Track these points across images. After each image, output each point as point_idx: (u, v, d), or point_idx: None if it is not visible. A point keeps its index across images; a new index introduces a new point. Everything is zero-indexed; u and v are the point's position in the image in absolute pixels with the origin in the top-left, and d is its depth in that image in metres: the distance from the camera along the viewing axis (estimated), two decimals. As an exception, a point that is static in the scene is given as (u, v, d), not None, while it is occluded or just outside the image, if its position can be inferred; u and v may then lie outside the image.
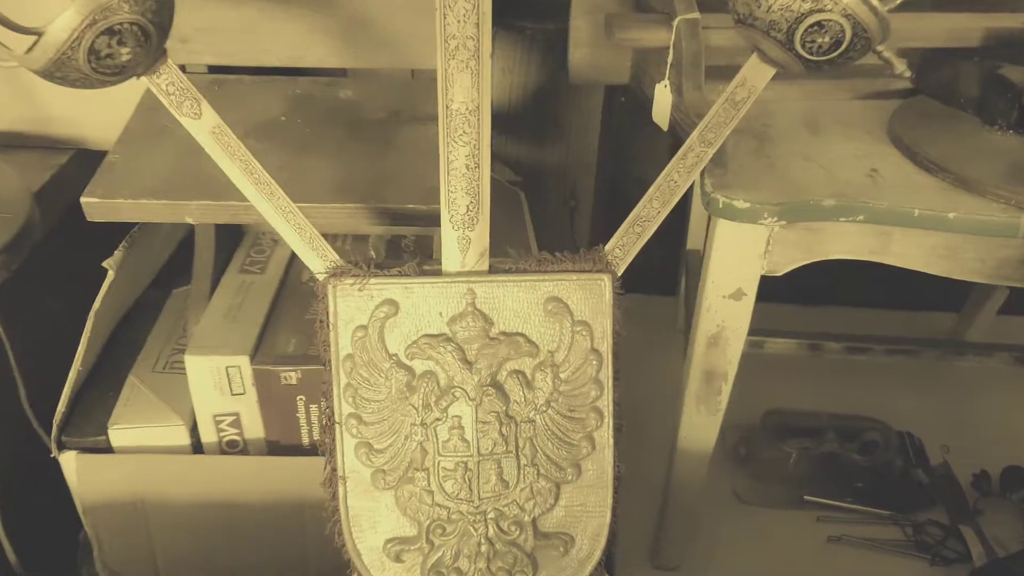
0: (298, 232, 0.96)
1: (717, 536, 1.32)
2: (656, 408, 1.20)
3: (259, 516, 1.20)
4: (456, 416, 0.98)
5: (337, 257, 0.98)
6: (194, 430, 1.21)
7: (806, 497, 1.38)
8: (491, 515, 1.00)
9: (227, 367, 1.26)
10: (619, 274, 0.99)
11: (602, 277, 0.98)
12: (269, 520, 1.19)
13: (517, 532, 1.01)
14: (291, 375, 1.23)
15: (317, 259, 0.97)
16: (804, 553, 1.30)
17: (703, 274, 1.06)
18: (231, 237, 1.34)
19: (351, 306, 0.97)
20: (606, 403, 1.00)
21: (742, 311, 1.07)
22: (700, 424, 1.17)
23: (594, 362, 0.98)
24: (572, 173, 1.72)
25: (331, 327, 0.97)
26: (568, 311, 0.97)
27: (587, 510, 1.01)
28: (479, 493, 1.00)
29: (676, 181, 0.95)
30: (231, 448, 1.23)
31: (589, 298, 0.97)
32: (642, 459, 1.11)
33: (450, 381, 0.98)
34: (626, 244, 0.98)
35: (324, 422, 1.01)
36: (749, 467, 1.45)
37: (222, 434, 1.27)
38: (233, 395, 1.26)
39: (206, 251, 1.34)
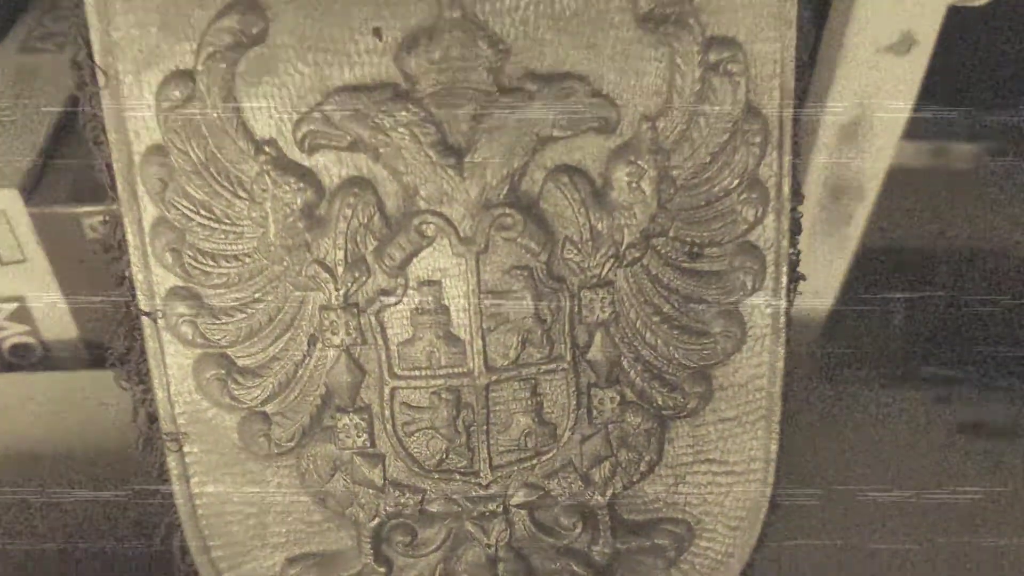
0: None
1: (798, 431, 0.87)
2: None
3: (80, 464, 0.75)
4: (430, 284, 0.41)
5: None
6: (-55, 333, 0.74)
7: (922, 369, 1.01)
8: (517, 498, 0.46)
9: (-20, 212, 0.68)
10: (809, -82, 0.40)
11: (775, -79, 0.39)
12: (99, 469, 0.72)
13: (576, 528, 0.45)
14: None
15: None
16: (924, 450, 0.94)
17: (842, 13, 0.67)
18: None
19: (149, 21, 0.37)
20: (772, 232, 0.43)
21: (909, 75, 0.69)
22: (819, 268, 0.81)
23: (753, 138, 0.40)
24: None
25: (99, 75, 0.37)
26: (693, 16, 0.40)
27: (725, 467, 0.48)
28: (488, 456, 0.44)
29: None
30: (19, 357, 0.76)
31: (738, -20, 0.39)
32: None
33: (410, 200, 0.41)
34: None
35: (121, 312, 0.42)
36: (842, 332, 1.04)
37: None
38: (5, 264, 0.72)
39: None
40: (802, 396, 1.03)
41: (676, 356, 0.45)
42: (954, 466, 0.94)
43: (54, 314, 0.75)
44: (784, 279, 0.45)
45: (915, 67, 0.70)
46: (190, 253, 0.42)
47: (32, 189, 0.69)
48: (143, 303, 0.43)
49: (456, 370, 0.43)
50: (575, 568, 0.47)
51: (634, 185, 0.42)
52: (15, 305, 0.75)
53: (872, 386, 1.05)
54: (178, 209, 0.41)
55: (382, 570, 0.47)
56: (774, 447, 0.48)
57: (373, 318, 0.42)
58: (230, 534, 0.47)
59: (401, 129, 0.40)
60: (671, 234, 0.43)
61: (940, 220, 1.24)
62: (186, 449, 0.45)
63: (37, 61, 0.80)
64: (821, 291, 0.87)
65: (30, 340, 0.77)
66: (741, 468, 0.48)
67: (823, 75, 0.76)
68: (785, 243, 0.44)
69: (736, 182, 0.43)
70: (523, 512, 0.46)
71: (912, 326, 1.08)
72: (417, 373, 0.43)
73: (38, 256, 0.72)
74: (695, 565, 0.49)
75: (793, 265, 0.45)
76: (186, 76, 0.39)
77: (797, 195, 0.45)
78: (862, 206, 0.79)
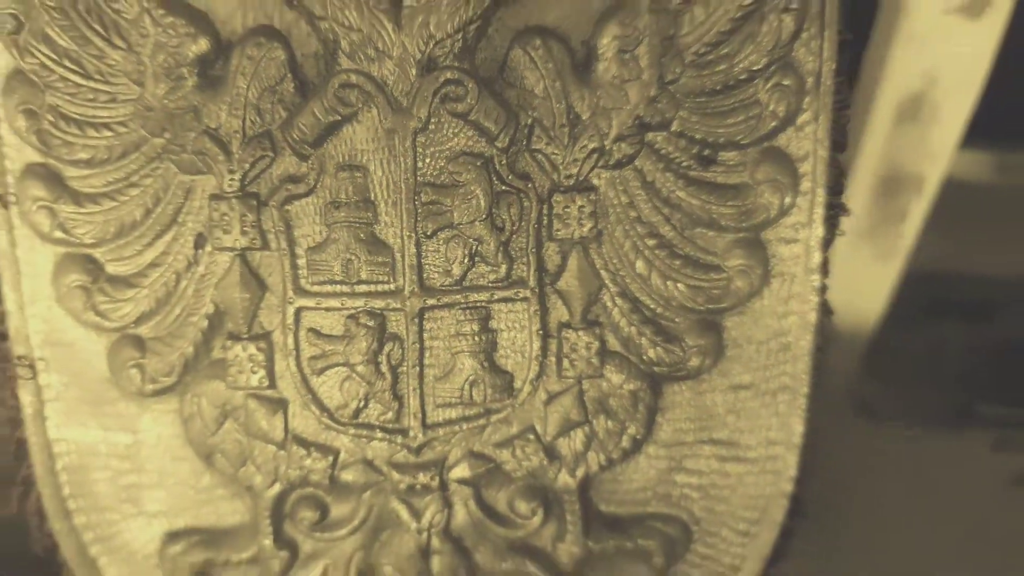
0: None
1: (835, 471, 0.81)
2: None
3: None
4: (351, 170, 0.33)
5: None
6: None
7: (976, 408, 0.91)
8: (459, 471, 0.36)
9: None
10: None
11: None
12: None
13: (536, 517, 0.35)
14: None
15: None
16: (975, 499, 0.82)
17: None
18: None
19: None
20: (809, 137, 0.35)
21: (981, 42, 0.61)
22: (858, 280, 0.72)
23: (788, 2, 0.30)
24: None
25: None
26: None
27: (736, 451, 0.38)
28: (421, 409, 0.35)
29: None
30: None
31: None
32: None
33: (330, 57, 0.33)
34: None
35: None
36: (883, 363, 0.92)
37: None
38: None
39: None
40: (839, 433, 0.92)
41: (676, 295, 0.35)
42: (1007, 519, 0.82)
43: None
44: (822, 200, 0.34)
45: (989, 34, 0.62)
46: (50, 118, 0.33)
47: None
48: (-7, 185, 0.33)
49: (380, 287, 0.34)
50: (532, 571, 0.37)
51: (627, 56, 0.32)
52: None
53: (920, 424, 0.97)
54: (36, 57, 0.34)
55: (283, 554, 0.36)
56: (799, 428, 0.37)
57: (276, 212, 0.33)
58: (96, 496, 0.38)
59: (319, -50, 0.30)
60: (675, 128, 0.34)
61: (1003, 243, 1.15)
62: (42, 380, 0.36)
63: None
64: (861, 307, 0.79)
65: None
66: (756, 454, 0.38)
67: (881, 43, 0.68)
68: (825, 153, 0.34)
69: (763, 62, 0.34)
70: (466, 490, 0.37)
71: (966, 362, 0.98)
72: (330, 289, 0.34)
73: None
74: (695, 568, 0.38)
75: (834, 185, 0.35)
76: None
77: (843, 91, 0.34)
78: (919, 201, 0.70)
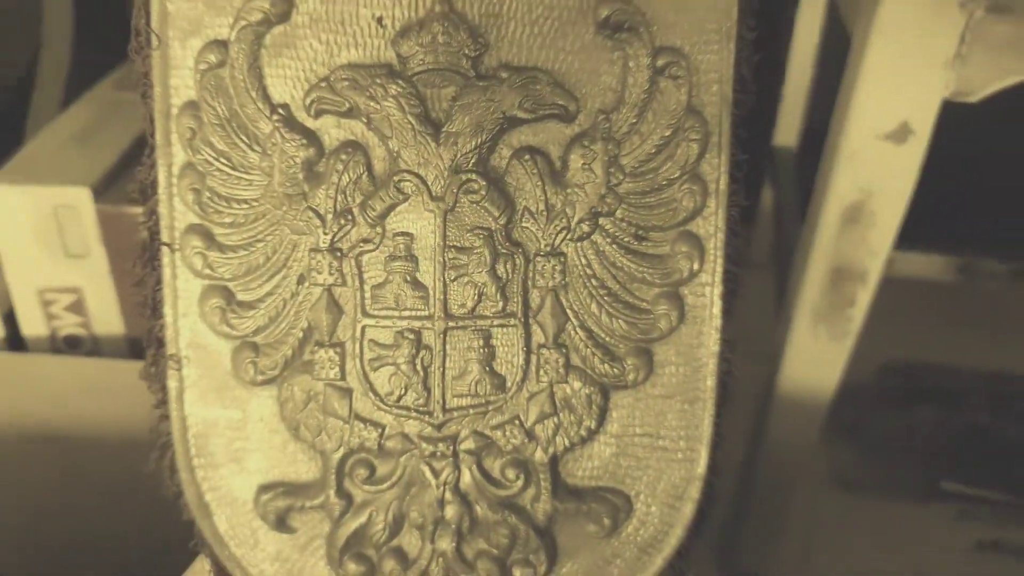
0: None
1: (812, 537, 0.97)
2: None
3: (111, 447, 0.79)
4: (403, 235, 0.48)
5: None
6: (10, 317, 0.84)
7: (942, 484, 1.04)
8: (466, 444, 0.51)
9: (57, 206, 0.77)
10: (753, -50, 0.48)
11: (718, -47, 0.46)
12: (125, 454, 0.72)
13: (519, 482, 0.49)
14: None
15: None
16: (938, 564, 0.95)
17: (844, 104, 0.73)
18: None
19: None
20: (711, 224, 0.48)
21: (906, 163, 0.73)
22: (816, 357, 0.81)
23: (693, 136, 0.46)
24: None
25: (153, 38, 0.46)
26: (644, 27, 0.47)
27: (661, 445, 0.51)
28: (443, 398, 0.49)
29: None
30: (72, 348, 0.85)
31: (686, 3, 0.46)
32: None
33: (393, 162, 0.48)
34: None
35: (144, 243, 0.50)
36: (859, 441, 1.09)
37: (55, 323, 0.85)
38: (70, 257, 0.81)
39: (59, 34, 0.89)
40: (816, 501, 1.02)
41: (618, 329, 0.50)
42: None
43: (106, 309, 0.83)
44: (721, 268, 0.50)
45: (912, 156, 0.73)
46: (208, 194, 0.49)
47: (103, 191, 0.79)
48: (164, 235, 0.50)
49: (419, 313, 0.49)
50: (515, 522, 0.52)
51: (586, 167, 0.48)
52: (73, 297, 0.83)
53: (891, 497, 1.04)
54: (202, 155, 0.49)
55: (342, 502, 0.52)
56: (709, 429, 0.51)
57: (353, 261, 0.49)
58: (213, 456, 0.52)
59: (391, 100, 0.47)
60: (618, 215, 0.49)
61: (964, 338, 1.23)
62: (184, 372, 0.51)
63: (126, 97, 0.92)
64: (815, 384, 0.86)
65: (82, 332, 0.84)
66: (678, 446, 0.52)
67: (828, 159, 0.80)
68: (722, 236, 0.50)
69: (678, 173, 0.49)
70: (471, 458, 0.51)
71: (933, 443, 1.08)
72: (386, 313, 0.49)
73: (100, 253, 0.81)
74: (631, 535, 0.53)
75: (731, 257, 0.50)
76: (221, 45, 0.48)
77: (737, 195, 0.50)
78: (864, 290, 0.80)
